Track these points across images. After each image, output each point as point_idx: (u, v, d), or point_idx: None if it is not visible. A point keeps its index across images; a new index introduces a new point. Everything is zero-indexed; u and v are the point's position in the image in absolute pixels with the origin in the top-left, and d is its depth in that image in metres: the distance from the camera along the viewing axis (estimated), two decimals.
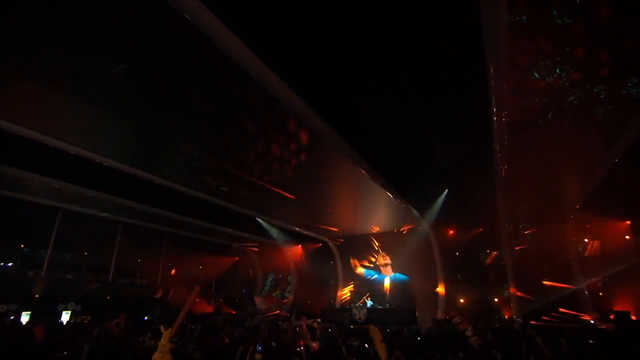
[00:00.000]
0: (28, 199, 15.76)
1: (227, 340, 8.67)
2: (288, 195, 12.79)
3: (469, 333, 10.78)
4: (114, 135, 9.07)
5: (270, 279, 24.06)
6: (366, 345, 8.05)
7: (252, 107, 7.48)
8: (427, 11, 5.10)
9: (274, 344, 8.28)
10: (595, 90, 6.45)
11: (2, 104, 7.71)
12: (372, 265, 19.52)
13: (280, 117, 7.99)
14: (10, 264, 16.84)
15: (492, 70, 5.94)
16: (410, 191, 13.22)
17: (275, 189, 12.47)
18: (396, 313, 15.24)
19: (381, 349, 4.87)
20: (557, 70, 5.54)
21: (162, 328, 5.74)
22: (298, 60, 6.14)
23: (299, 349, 6.90)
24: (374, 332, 5.09)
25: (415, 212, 15.04)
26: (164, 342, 5.16)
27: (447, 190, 13.53)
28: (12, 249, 17.61)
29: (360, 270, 19.75)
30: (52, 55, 6.20)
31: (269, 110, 7.59)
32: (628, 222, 14.99)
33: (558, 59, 5.41)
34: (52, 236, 16.80)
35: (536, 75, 5.75)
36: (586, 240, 15.80)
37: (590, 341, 7.32)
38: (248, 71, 6.04)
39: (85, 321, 17.23)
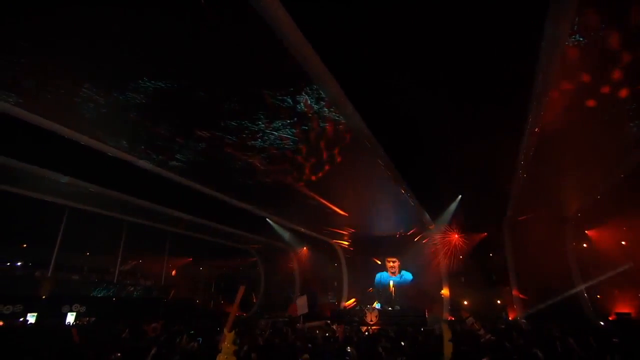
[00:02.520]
0: (33, 195, 15.32)
1: (261, 342, 8.81)
2: (309, 196, 12.99)
3: (482, 332, 11.49)
4: (143, 132, 8.89)
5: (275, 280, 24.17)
6: (402, 343, 8.39)
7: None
8: (492, 16, 5.32)
9: (310, 345, 8.49)
10: (627, 107, 7.02)
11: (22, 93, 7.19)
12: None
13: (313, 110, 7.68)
14: (15, 264, 16.34)
15: (538, 83, 6.29)
16: (425, 195, 13.59)
17: (296, 190, 12.66)
18: (407, 315, 15.65)
19: (448, 347, 5.18)
20: (601, 91, 6.04)
21: (225, 331, 5.94)
22: (341, 45, 6.03)
23: (348, 349, 7.12)
24: (445, 331, 5.38)
25: (427, 217, 15.52)
26: (228, 344, 5.36)
27: (460, 196, 14.02)
28: (16, 249, 17.12)
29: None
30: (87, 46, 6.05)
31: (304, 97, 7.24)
32: (624, 228, 15.89)
33: (604, 79, 5.91)
34: (58, 235, 16.42)
35: (580, 94, 6.24)
36: (585, 245, 16.68)
37: (615, 340, 7.82)
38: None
39: (87, 322, 16.96)
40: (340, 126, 8.20)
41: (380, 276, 19.78)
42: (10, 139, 9.59)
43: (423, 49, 6.12)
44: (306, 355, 7.04)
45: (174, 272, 24.30)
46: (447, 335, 5.06)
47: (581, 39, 5.21)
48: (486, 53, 5.98)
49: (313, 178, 11.26)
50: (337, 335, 10.80)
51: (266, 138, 8.28)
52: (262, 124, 7.63)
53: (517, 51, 5.76)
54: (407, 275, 19.35)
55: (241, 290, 7.91)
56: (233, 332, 5.63)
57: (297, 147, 8.90)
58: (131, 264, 20.63)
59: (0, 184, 13.72)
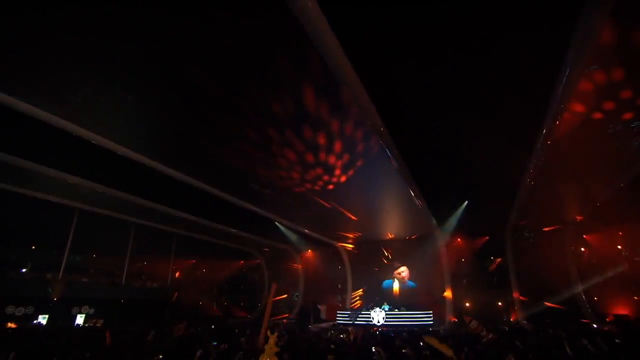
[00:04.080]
0: (43, 197, 15.31)
1: (283, 342, 9.13)
2: (322, 200, 13.33)
3: (484, 333, 12.10)
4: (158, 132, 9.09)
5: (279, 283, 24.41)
6: (421, 343, 8.79)
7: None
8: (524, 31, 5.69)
9: (332, 346, 8.85)
10: (632, 125, 7.56)
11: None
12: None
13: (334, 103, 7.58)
14: (25, 266, 16.37)
15: (558, 95, 6.70)
16: (434, 200, 13.97)
17: (310, 195, 12.98)
18: (414, 316, 16.12)
19: (444, 349, 5.57)
20: (614, 110, 6.58)
21: (267, 332, 6.26)
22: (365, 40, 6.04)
23: (374, 349, 7.48)
24: (431, 340, 5.83)
25: (434, 221, 15.99)
26: (271, 344, 5.70)
27: (466, 201, 14.49)
28: (25, 251, 17.14)
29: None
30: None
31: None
32: (620, 233, 16.60)
33: (613, 101, 6.44)
34: (69, 237, 16.50)
35: (591, 112, 6.77)
36: (583, 249, 17.35)
37: (617, 340, 8.33)
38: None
39: (97, 325, 17.10)
40: (366, 136, 8.60)
41: (386, 283, 20.29)
42: (41, 144, 9.83)
43: (449, 64, 6.55)
44: (331, 356, 7.39)
45: (177, 274, 24.42)
46: (434, 342, 5.49)
47: (598, 67, 5.70)
48: (513, 71, 6.41)
49: (330, 185, 11.63)
50: (352, 336, 11.22)
51: (296, 149, 8.64)
52: (293, 135, 8.00)
53: (539, 72, 6.22)
54: (410, 283, 19.84)
55: (273, 288, 8.21)
56: (276, 333, 5.99)
57: (321, 156, 9.27)
58: (138, 266, 20.73)
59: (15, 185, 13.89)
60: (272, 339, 5.66)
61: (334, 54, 5.93)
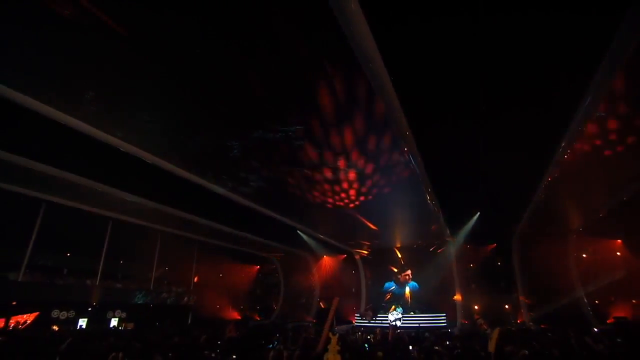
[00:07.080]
0: (78, 206, 16.22)
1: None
2: (347, 212, 14.42)
3: (489, 331, 13.24)
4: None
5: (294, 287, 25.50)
6: (448, 342, 9.89)
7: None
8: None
9: (366, 346, 9.91)
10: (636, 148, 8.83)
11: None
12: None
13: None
14: (63, 273, 17.35)
15: (580, 115, 7.71)
16: (450, 211, 15.14)
17: (336, 207, 14.10)
18: (428, 318, 17.27)
19: (492, 345, 6.70)
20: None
21: (330, 334, 7.41)
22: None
23: (411, 347, 8.56)
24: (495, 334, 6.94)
25: (448, 231, 17.17)
26: (333, 344, 6.82)
27: (479, 213, 15.68)
28: (60, 257, 18.10)
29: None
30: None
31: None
32: (619, 241, 17.83)
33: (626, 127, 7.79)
34: (104, 245, 17.50)
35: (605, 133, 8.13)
36: (584, 255, 18.57)
37: (618, 340, 9.48)
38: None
39: (128, 328, 18.14)
40: (399, 156, 9.74)
41: (391, 285, 21.54)
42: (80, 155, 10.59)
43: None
44: (380, 353, 8.46)
45: (197, 279, 25.36)
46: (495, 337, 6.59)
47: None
48: (541, 93, 7.46)
49: (358, 198, 12.78)
50: (378, 337, 12.29)
51: (332, 171, 9.79)
52: (332, 159, 9.15)
53: (565, 94, 7.31)
54: (412, 284, 21.07)
55: (335, 301, 9.42)
56: (337, 335, 7.13)
57: (354, 175, 10.44)
58: (163, 272, 21.69)
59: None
60: (334, 340, 6.78)
61: (387, 94, 7.08)
